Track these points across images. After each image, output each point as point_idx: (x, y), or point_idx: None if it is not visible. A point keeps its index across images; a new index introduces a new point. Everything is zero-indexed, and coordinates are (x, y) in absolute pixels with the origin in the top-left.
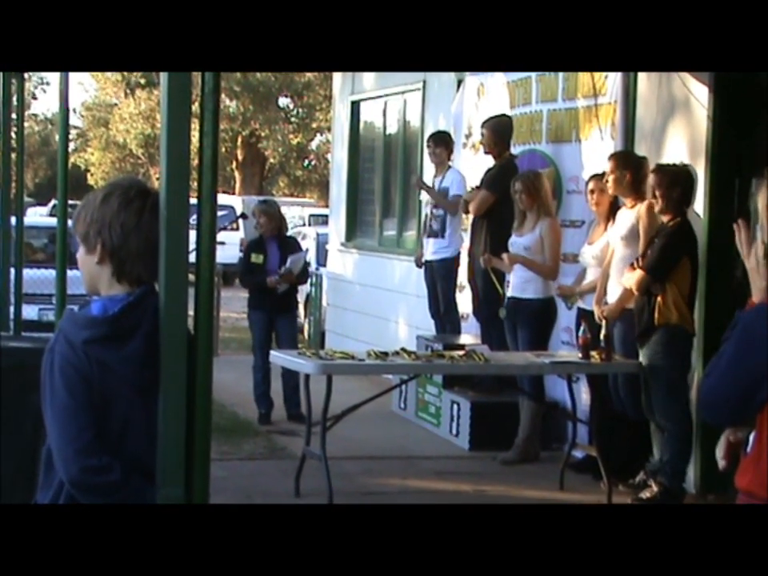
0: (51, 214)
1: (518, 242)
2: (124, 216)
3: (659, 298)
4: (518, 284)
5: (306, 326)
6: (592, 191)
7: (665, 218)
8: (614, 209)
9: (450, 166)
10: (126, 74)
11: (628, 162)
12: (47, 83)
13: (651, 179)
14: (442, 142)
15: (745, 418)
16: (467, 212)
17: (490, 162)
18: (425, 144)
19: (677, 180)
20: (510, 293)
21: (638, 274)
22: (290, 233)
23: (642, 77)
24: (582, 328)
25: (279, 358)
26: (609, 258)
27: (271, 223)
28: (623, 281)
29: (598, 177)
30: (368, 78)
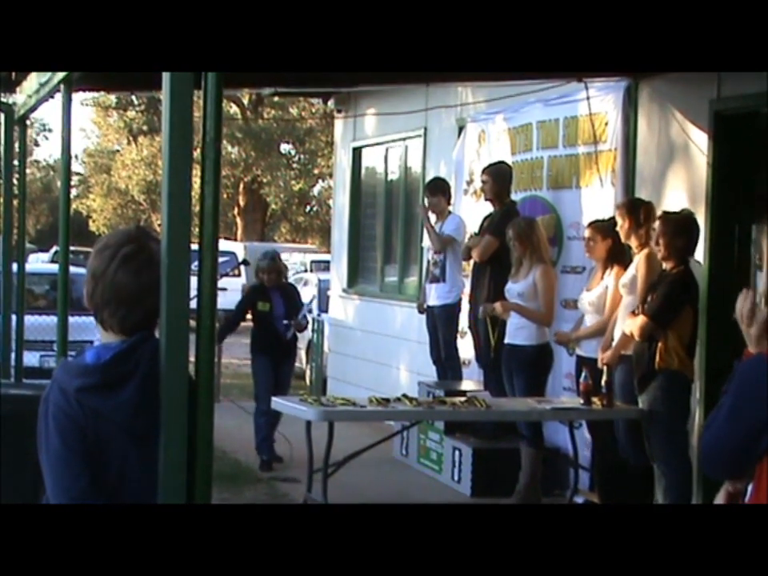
0: (53, 261)
1: (513, 289)
2: (94, 264)
3: (660, 344)
4: (512, 330)
5: (308, 373)
6: (589, 238)
7: (667, 266)
8: (612, 255)
9: (450, 212)
10: (128, 120)
11: (633, 209)
12: (49, 129)
13: (656, 226)
14: (439, 190)
15: (745, 470)
16: (469, 258)
17: (490, 208)
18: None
19: (681, 228)
20: (506, 339)
21: (641, 319)
22: (291, 279)
23: (642, 124)
24: (583, 374)
25: (281, 404)
26: (612, 305)
27: (279, 277)
28: (624, 327)
29: (596, 224)
30: (369, 125)
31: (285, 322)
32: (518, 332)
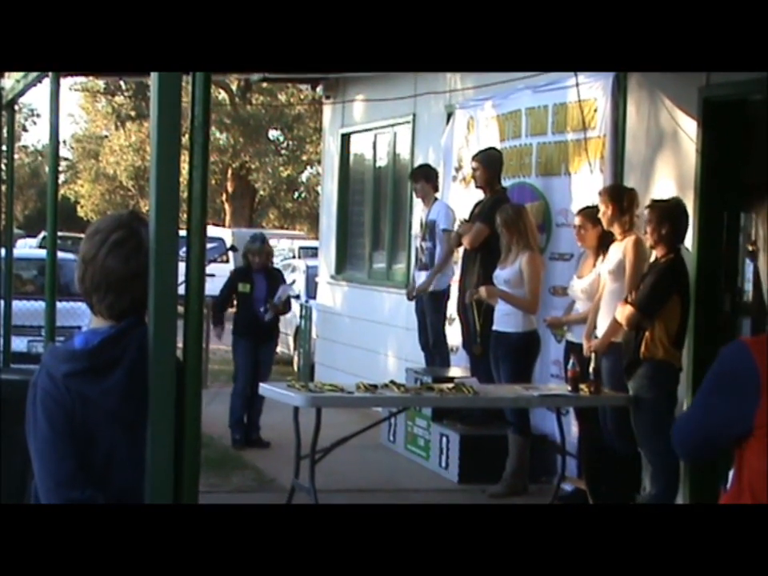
0: (41, 246)
1: (500, 275)
2: (85, 248)
3: (647, 334)
4: (499, 317)
5: (296, 359)
6: (579, 226)
7: (657, 254)
8: (603, 242)
9: (436, 198)
10: (116, 105)
11: (616, 196)
12: (38, 115)
13: (645, 214)
14: (422, 176)
15: (708, 458)
16: (460, 245)
17: (479, 195)
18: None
19: (665, 216)
20: (493, 326)
21: (628, 309)
22: (279, 265)
23: (631, 111)
24: (571, 361)
25: (268, 390)
26: (600, 292)
27: (267, 260)
28: (616, 314)
29: (586, 211)
30: (358, 111)
31: (262, 308)
32: (505, 319)
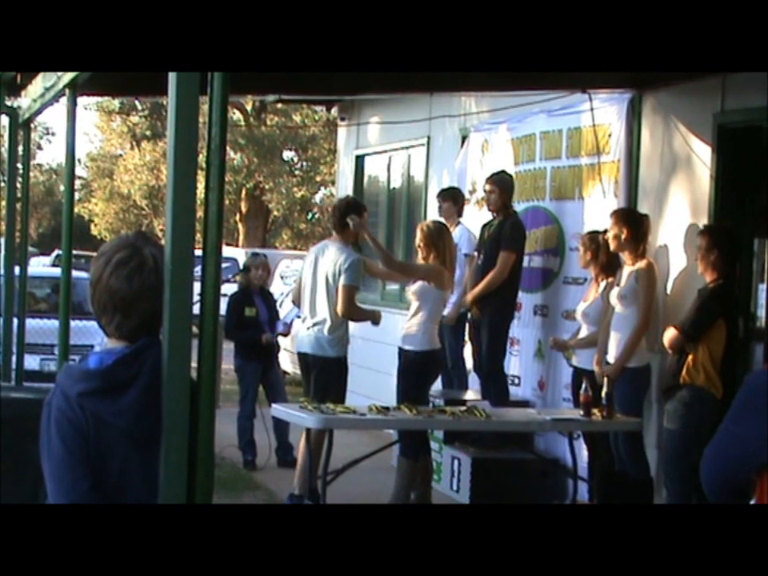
0: (54, 264)
1: (410, 289)
2: (92, 271)
3: (690, 357)
4: (403, 336)
5: None
6: (583, 249)
7: (707, 278)
8: (607, 267)
9: (459, 222)
10: (131, 125)
11: (628, 220)
12: (52, 133)
13: (697, 240)
14: (450, 197)
15: (736, 493)
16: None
17: (488, 218)
18: (433, 199)
19: (715, 243)
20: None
21: (672, 332)
22: (293, 286)
23: (645, 135)
24: (583, 386)
25: (281, 411)
26: (608, 317)
27: (269, 275)
28: (664, 338)
29: (591, 235)
30: (372, 133)
31: (273, 332)
32: (405, 337)
